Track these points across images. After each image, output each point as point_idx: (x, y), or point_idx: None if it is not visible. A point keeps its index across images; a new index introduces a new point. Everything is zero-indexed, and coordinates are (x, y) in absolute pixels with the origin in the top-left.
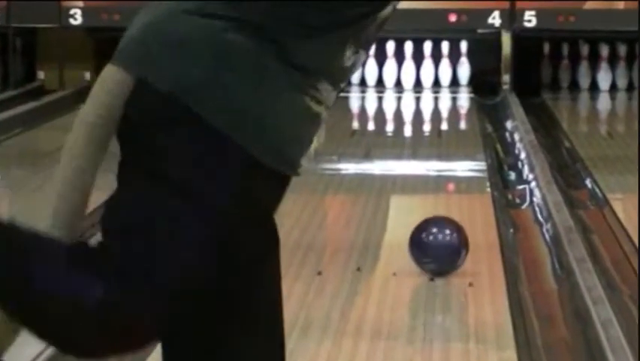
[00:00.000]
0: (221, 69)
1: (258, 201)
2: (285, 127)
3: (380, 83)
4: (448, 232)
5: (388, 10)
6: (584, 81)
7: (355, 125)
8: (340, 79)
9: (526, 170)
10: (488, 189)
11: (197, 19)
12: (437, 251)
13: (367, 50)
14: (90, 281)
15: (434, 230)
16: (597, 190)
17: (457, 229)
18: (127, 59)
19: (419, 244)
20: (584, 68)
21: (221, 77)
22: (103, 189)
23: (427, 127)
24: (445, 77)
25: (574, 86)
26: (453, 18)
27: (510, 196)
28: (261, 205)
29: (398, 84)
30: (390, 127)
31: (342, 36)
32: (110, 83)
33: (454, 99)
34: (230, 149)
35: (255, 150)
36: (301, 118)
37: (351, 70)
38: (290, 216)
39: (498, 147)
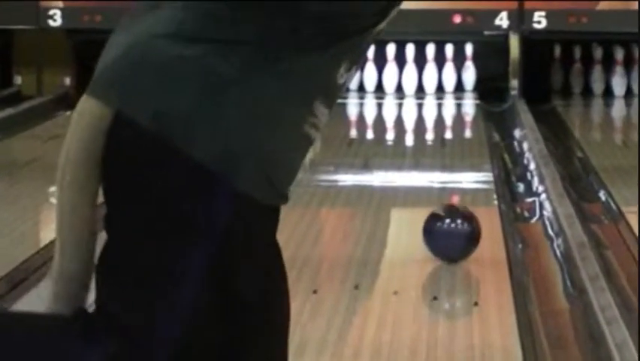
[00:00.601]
0: (206, 100)
1: (253, 235)
2: (280, 160)
3: (380, 89)
4: (459, 220)
5: (384, 23)
6: (598, 86)
7: (353, 133)
8: (334, 99)
9: (535, 182)
10: (495, 202)
11: (177, 43)
12: (450, 240)
13: (360, 65)
14: (92, 348)
15: (447, 219)
16: (612, 203)
17: (470, 217)
18: (103, 91)
19: (431, 232)
20: (597, 73)
21: (207, 108)
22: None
23: (429, 136)
24: (449, 83)
25: (587, 91)
26: (458, 19)
27: (518, 210)
28: (257, 238)
29: (399, 90)
30: (390, 135)
31: (338, 52)
32: (87, 117)
33: (458, 106)
34: (220, 186)
35: (246, 186)
36: (298, 148)
37: (343, 88)
38: (283, 231)
39: (506, 157)
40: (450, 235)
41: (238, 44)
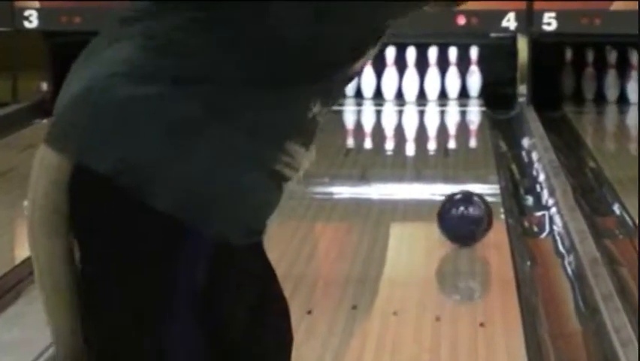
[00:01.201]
0: (169, 145)
1: (237, 273)
2: (253, 202)
3: (378, 95)
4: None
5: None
6: (612, 92)
7: (350, 142)
8: (310, 136)
9: (545, 194)
10: (502, 216)
11: (136, 83)
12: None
13: (333, 104)
14: None
15: (460, 205)
16: (626, 217)
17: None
18: (59, 143)
19: (444, 216)
20: (611, 78)
21: (170, 154)
22: None
23: (432, 145)
24: (453, 88)
25: (600, 98)
26: (462, 20)
27: (527, 224)
28: (241, 274)
29: (399, 96)
30: (389, 145)
31: (311, 91)
32: (47, 167)
33: (463, 113)
34: (191, 237)
35: (219, 232)
36: (271, 189)
37: (318, 123)
38: (275, 247)
39: (513, 167)
40: (463, 219)
41: (202, 83)
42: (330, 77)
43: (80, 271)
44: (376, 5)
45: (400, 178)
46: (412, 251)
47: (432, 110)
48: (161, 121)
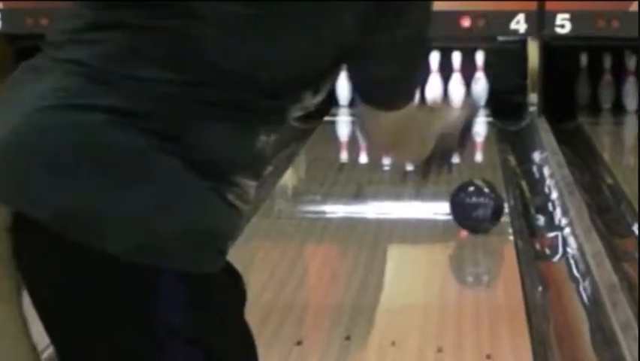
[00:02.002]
0: (108, 183)
1: (209, 301)
2: (208, 233)
3: None
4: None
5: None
6: (631, 102)
7: (344, 156)
8: (259, 167)
9: (558, 213)
10: (511, 238)
11: (65, 115)
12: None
13: (280, 128)
14: None
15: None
16: None
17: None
18: None
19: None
20: (630, 85)
21: (111, 193)
22: None
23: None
24: (457, 97)
25: (618, 107)
26: (466, 22)
27: (538, 246)
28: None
29: None
30: (387, 159)
31: (255, 124)
32: None
33: None
34: (150, 277)
35: (178, 266)
36: (224, 219)
37: (266, 157)
38: (262, 271)
39: (523, 184)
40: (475, 207)
41: (137, 116)
42: (276, 107)
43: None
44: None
45: (398, 196)
46: (412, 276)
47: None
48: (97, 157)
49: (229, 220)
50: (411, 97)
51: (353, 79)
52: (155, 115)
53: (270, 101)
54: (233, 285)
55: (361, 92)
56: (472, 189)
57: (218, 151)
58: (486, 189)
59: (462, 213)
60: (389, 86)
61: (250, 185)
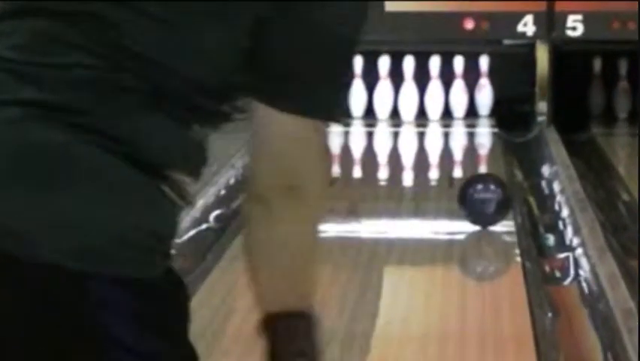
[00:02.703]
0: (34, 185)
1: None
2: (152, 242)
3: (370, 114)
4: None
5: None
6: None
7: (336, 170)
8: (198, 161)
9: (569, 232)
10: (518, 259)
11: None
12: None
13: (218, 128)
14: None
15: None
16: None
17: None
18: None
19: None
20: None
21: (38, 197)
22: None
23: (434, 173)
24: (459, 106)
25: (634, 117)
26: (469, 24)
27: (548, 268)
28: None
29: (395, 115)
30: (383, 173)
31: (187, 115)
32: None
33: (471, 135)
34: (92, 283)
35: (120, 270)
36: (162, 215)
37: (205, 153)
38: (245, 296)
39: (531, 200)
40: (483, 201)
41: (59, 108)
42: (206, 100)
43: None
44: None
45: (395, 213)
46: (411, 301)
47: (434, 132)
48: (20, 157)
49: (171, 220)
50: (329, 107)
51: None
52: (78, 106)
53: (197, 92)
54: (176, 292)
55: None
56: (478, 184)
57: (150, 143)
58: (492, 185)
59: (470, 209)
60: (301, 83)
61: (186, 182)
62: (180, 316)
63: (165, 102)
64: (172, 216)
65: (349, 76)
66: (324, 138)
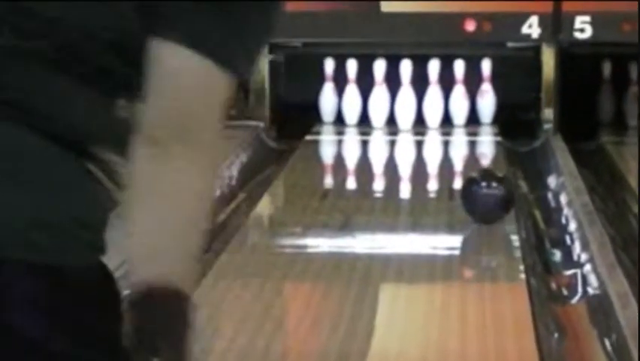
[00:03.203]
0: None
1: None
2: (74, 229)
3: (365, 121)
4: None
5: None
6: None
7: (329, 181)
8: (124, 143)
9: (577, 247)
10: (522, 276)
11: None
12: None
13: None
14: None
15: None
16: None
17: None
18: None
19: (467, 196)
20: None
21: None
22: None
23: (432, 185)
24: (460, 113)
25: None
26: (471, 26)
27: (554, 286)
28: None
29: (391, 123)
30: (379, 185)
31: (107, 83)
32: None
33: (472, 144)
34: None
35: (51, 257)
36: (97, 210)
37: (129, 129)
38: (234, 314)
39: (537, 213)
40: (486, 197)
41: None
42: (121, 67)
43: None
44: None
45: (392, 227)
46: (408, 320)
47: (433, 141)
48: None
49: (100, 204)
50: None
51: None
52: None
53: (103, 50)
54: (103, 287)
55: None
56: (481, 181)
57: (68, 116)
58: (494, 182)
59: (472, 206)
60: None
61: (114, 161)
62: (106, 316)
63: (75, 66)
64: (101, 200)
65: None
66: (225, 91)
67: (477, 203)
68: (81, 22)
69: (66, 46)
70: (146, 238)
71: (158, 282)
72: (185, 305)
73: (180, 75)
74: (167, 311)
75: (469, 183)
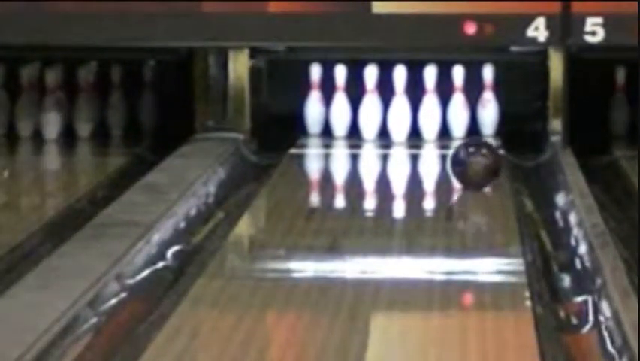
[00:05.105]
0: None
1: None
2: None
3: (354, 133)
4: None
5: None
6: None
7: (315, 200)
8: None
9: (588, 272)
10: (528, 303)
11: None
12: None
13: None
14: None
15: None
16: None
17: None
18: None
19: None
20: None
21: None
22: None
23: (429, 203)
24: (459, 124)
25: None
26: (471, 29)
27: (563, 314)
28: None
29: (383, 135)
30: (370, 203)
31: None
32: None
33: None
34: None
35: None
36: None
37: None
38: (211, 345)
39: (543, 234)
40: (470, 163)
41: None
42: None
43: None
44: None
45: (384, 250)
46: (402, 352)
47: (429, 155)
48: None
49: None
50: None
51: None
52: None
53: None
54: None
55: None
56: (469, 147)
57: None
58: (484, 149)
59: (459, 170)
60: None
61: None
62: None
63: None
64: None
65: None
66: None
67: (464, 168)
68: None
69: None
70: None
71: None
72: None
73: None
74: None
75: (458, 148)
